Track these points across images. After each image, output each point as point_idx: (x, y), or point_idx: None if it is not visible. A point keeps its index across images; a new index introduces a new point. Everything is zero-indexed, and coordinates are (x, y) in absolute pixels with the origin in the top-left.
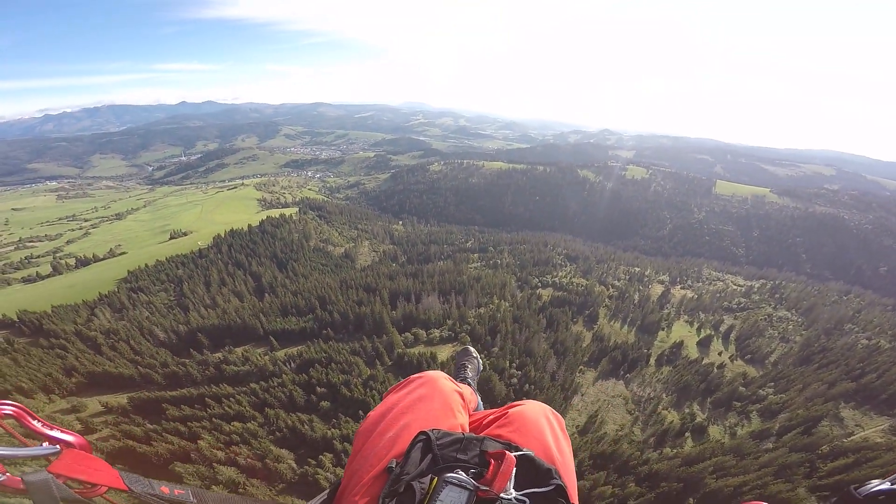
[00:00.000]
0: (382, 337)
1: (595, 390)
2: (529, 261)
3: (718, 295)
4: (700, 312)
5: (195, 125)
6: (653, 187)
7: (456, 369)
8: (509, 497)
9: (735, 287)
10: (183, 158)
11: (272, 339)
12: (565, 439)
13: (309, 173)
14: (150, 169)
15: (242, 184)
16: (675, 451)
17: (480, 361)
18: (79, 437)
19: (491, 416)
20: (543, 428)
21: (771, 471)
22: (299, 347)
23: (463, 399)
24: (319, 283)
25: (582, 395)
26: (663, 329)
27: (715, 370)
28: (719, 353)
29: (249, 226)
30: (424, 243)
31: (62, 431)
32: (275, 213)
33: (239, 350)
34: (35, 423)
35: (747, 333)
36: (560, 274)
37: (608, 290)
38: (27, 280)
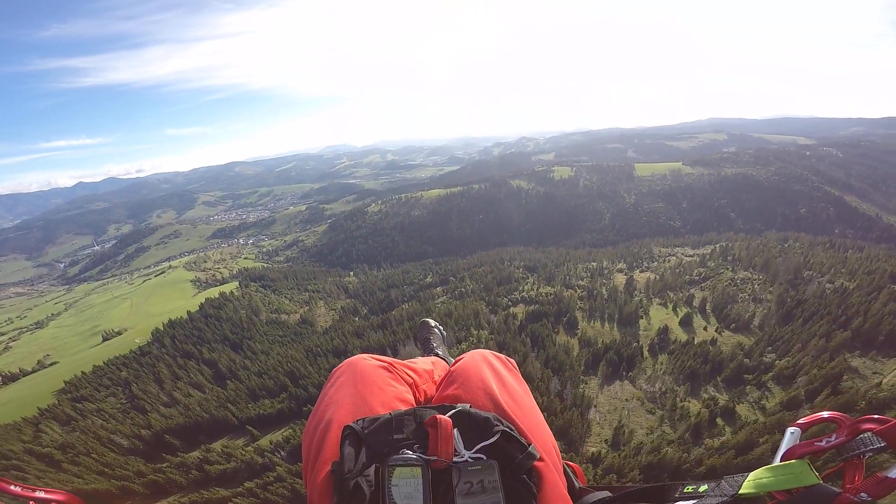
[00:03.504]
0: None
1: (605, 398)
2: (492, 281)
3: (678, 270)
4: (668, 292)
5: (100, 207)
6: (581, 183)
7: (422, 345)
8: (463, 459)
9: (688, 259)
10: (96, 248)
11: (249, 427)
12: (514, 378)
13: (240, 240)
14: (62, 266)
15: (170, 266)
16: (718, 441)
17: (442, 329)
18: (67, 495)
19: (441, 380)
20: (485, 375)
21: None
22: (284, 431)
23: (401, 370)
24: (283, 357)
25: (596, 408)
26: (642, 317)
27: (710, 348)
28: (704, 329)
29: (189, 312)
30: (383, 289)
31: (47, 492)
32: (213, 292)
33: (217, 445)
34: (15, 488)
35: (721, 302)
36: (526, 287)
37: (576, 291)
38: None
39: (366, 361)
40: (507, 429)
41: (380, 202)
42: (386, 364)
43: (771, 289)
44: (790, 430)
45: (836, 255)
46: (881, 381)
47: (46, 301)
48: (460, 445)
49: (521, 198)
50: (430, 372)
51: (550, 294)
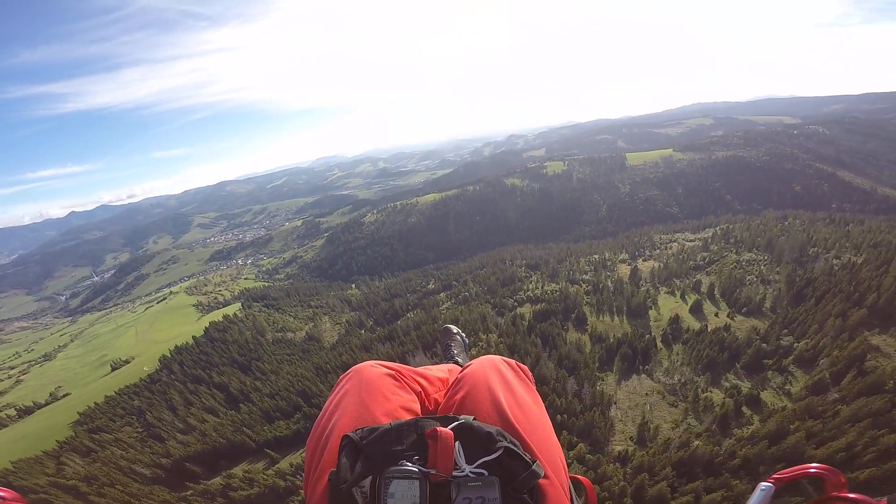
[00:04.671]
0: None
1: (624, 394)
2: (496, 283)
3: (681, 256)
4: (674, 279)
5: (95, 237)
6: (575, 176)
7: (443, 351)
8: (463, 473)
9: (690, 244)
10: (96, 279)
11: (268, 451)
12: (524, 387)
13: (239, 261)
14: (63, 299)
15: (171, 292)
16: (748, 431)
17: (464, 336)
18: (9, 492)
19: (449, 387)
20: (493, 384)
21: (867, 424)
22: (302, 453)
23: (409, 378)
24: (293, 376)
25: (616, 405)
26: (651, 308)
27: (724, 334)
28: (716, 315)
29: (194, 337)
30: (386, 300)
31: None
32: (217, 315)
33: (238, 470)
34: None
35: (729, 286)
36: (530, 286)
37: (582, 286)
38: None
39: (373, 369)
40: (510, 444)
41: (375, 211)
42: (393, 372)
43: (778, 269)
44: (762, 486)
45: (837, 229)
46: None
47: (52, 333)
48: (461, 459)
49: (517, 196)
50: (445, 380)
51: (556, 291)
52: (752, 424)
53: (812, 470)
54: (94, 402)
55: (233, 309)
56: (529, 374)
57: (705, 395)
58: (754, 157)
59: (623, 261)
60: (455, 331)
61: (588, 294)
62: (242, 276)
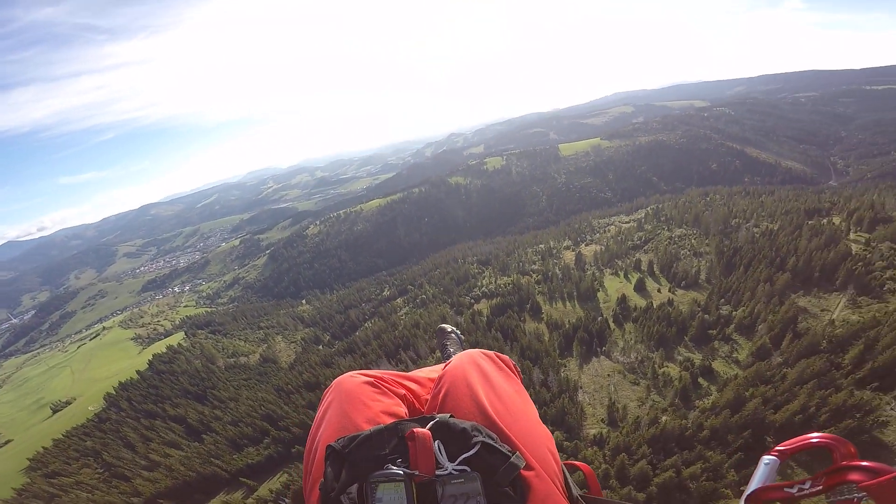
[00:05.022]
0: None
1: (588, 378)
2: (451, 282)
3: (619, 238)
4: (616, 260)
5: (7, 277)
6: (514, 170)
7: (441, 351)
8: (447, 472)
9: (626, 225)
10: (14, 321)
11: (243, 479)
12: (506, 379)
13: (175, 289)
14: None
15: (104, 328)
16: (708, 401)
17: (458, 333)
18: None
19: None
20: (472, 379)
21: (814, 385)
22: (280, 477)
23: (392, 383)
24: (254, 401)
25: (582, 389)
26: (599, 290)
27: (669, 309)
28: (658, 291)
29: (139, 372)
30: (341, 312)
31: None
32: (160, 347)
33: (216, 502)
34: None
35: (666, 262)
36: (483, 282)
37: (532, 276)
38: None
39: (352, 379)
40: (486, 439)
41: (318, 222)
42: (372, 379)
43: (707, 241)
44: (766, 459)
45: (753, 201)
46: (832, 319)
47: None
48: (443, 458)
49: (462, 194)
50: (436, 380)
51: (508, 284)
52: (710, 395)
53: (815, 440)
54: (42, 447)
55: (176, 339)
56: (511, 363)
57: (662, 370)
58: (673, 140)
59: (567, 247)
60: (449, 329)
61: (539, 283)
62: (182, 304)
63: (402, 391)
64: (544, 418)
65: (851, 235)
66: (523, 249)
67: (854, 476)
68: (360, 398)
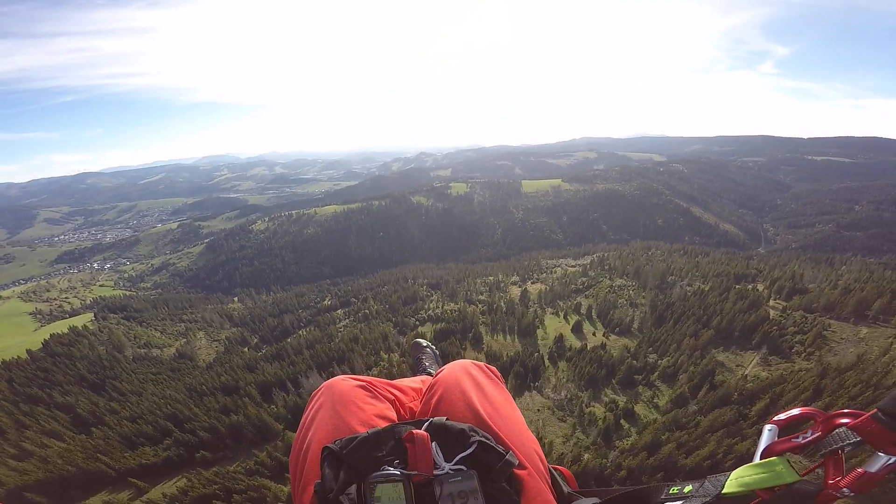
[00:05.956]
0: (275, 442)
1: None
2: (398, 301)
3: (564, 280)
4: (558, 301)
5: None
6: (476, 199)
7: (414, 364)
8: (444, 471)
9: (571, 269)
10: None
11: (132, 479)
12: (495, 387)
13: (95, 265)
14: None
15: (0, 297)
16: (627, 442)
17: (434, 348)
18: None
19: (423, 394)
20: (465, 386)
21: (723, 433)
22: (177, 482)
23: (382, 388)
24: (160, 398)
25: None
26: (539, 328)
27: (601, 352)
28: (593, 334)
29: (29, 351)
30: (274, 315)
31: None
32: (61, 326)
33: (96, 500)
34: None
35: (604, 308)
36: (430, 305)
37: (478, 306)
38: None
39: (344, 382)
40: (483, 438)
41: (267, 219)
42: (364, 383)
43: (644, 294)
44: (767, 427)
45: (690, 260)
46: (745, 374)
47: None
48: (440, 458)
49: (422, 214)
50: (419, 389)
51: (455, 311)
52: (630, 437)
53: (796, 412)
54: None
55: (83, 320)
56: (498, 374)
57: (589, 409)
58: (627, 191)
59: (514, 283)
60: (425, 344)
61: (483, 314)
62: (98, 283)
63: (391, 397)
64: None
65: (771, 302)
66: (473, 279)
67: (842, 421)
68: (353, 401)
